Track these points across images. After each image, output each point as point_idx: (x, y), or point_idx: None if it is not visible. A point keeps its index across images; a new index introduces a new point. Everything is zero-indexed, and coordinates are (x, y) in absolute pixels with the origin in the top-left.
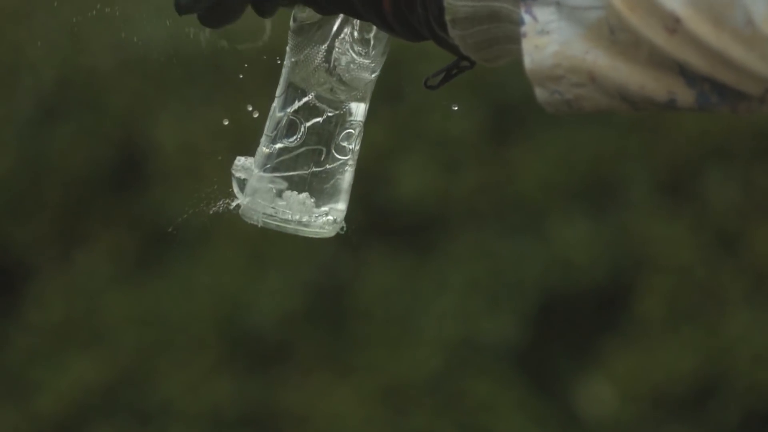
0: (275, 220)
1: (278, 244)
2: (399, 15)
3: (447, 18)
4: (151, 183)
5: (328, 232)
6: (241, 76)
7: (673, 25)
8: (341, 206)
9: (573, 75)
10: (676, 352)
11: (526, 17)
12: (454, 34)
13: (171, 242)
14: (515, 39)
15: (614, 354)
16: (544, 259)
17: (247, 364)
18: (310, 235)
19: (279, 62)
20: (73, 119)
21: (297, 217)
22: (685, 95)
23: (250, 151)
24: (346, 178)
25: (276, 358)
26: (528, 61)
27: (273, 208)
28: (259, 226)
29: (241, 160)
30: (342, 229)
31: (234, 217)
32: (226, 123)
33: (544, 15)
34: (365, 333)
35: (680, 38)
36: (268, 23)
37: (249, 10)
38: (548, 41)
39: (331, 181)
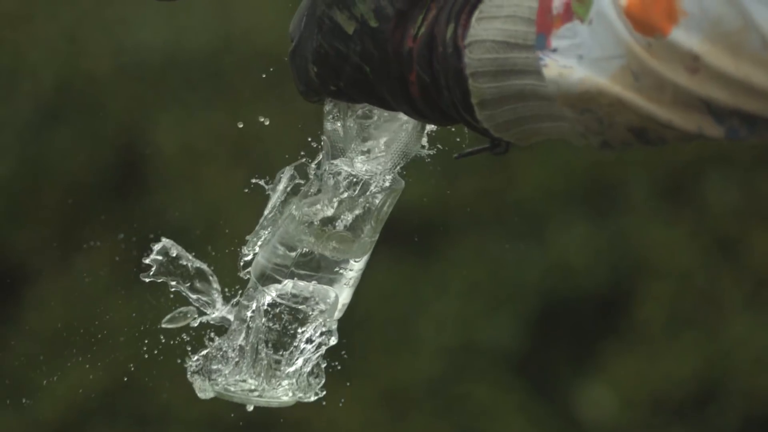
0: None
1: None
2: (428, 99)
3: (473, 101)
4: (150, 187)
5: (289, 400)
6: (240, 80)
7: (693, 63)
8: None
9: (603, 98)
10: (675, 356)
11: (547, 59)
12: (482, 115)
13: None
14: (544, 116)
15: (614, 359)
16: (544, 264)
17: None
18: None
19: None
20: (72, 123)
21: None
22: (714, 131)
23: (249, 151)
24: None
25: None
26: (554, 89)
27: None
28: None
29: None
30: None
31: (233, 221)
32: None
33: (566, 60)
34: (365, 337)
35: (702, 76)
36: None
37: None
38: (572, 71)
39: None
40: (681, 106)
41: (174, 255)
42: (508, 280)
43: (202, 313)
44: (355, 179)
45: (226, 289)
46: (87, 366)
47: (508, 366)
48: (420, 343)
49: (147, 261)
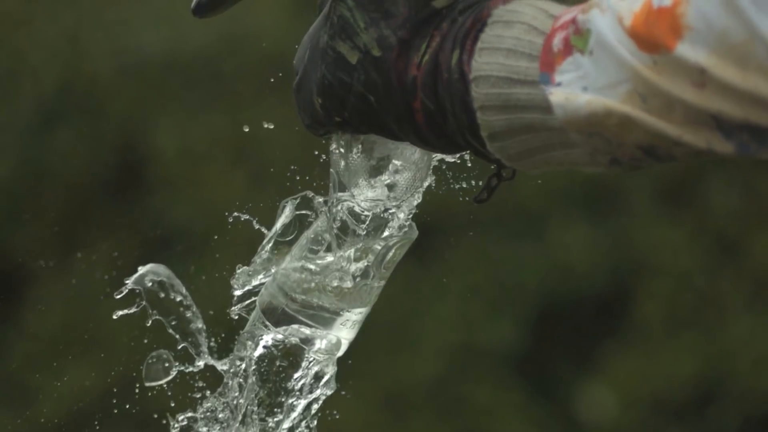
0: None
1: None
2: (434, 127)
3: (483, 134)
4: (150, 188)
5: None
6: (240, 83)
7: (700, 78)
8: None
9: (610, 119)
10: (675, 357)
11: (553, 89)
12: (493, 147)
13: (171, 247)
14: (555, 145)
15: (614, 359)
16: (544, 265)
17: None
18: None
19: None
20: (73, 125)
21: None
22: (723, 147)
23: (250, 153)
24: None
25: None
26: (561, 114)
27: None
28: None
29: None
30: None
31: (233, 222)
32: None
33: (572, 89)
34: (366, 338)
35: (709, 90)
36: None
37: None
38: (579, 95)
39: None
40: (690, 123)
41: (163, 283)
42: (508, 281)
43: (187, 357)
44: (364, 225)
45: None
46: (87, 367)
47: (509, 367)
48: (420, 344)
49: (130, 284)
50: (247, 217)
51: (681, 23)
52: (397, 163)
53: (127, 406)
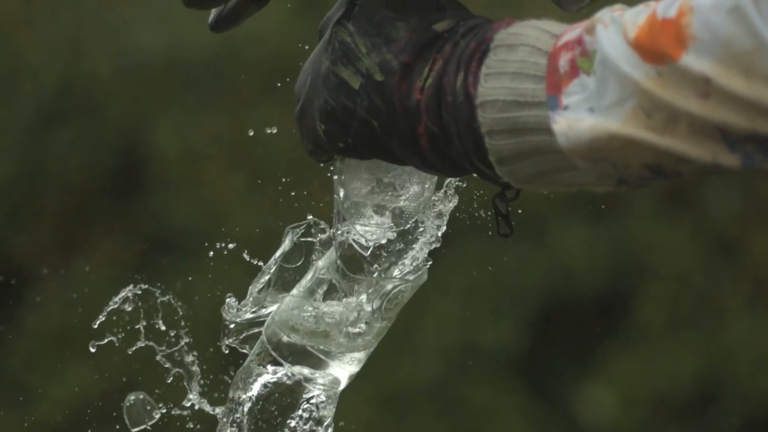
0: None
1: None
2: (438, 150)
3: (492, 158)
4: (150, 189)
5: None
6: (240, 83)
7: (704, 88)
8: None
9: (614, 142)
10: (676, 358)
11: (557, 117)
12: (502, 171)
13: (171, 248)
14: (563, 168)
15: (614, 360)
16: (544, 266)
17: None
18: None
19: (278, 69)
20: (73, 125)
21: None
22: (729, 160)
23: (249, 154)
24: None
25: None
26: (563, 141)
27: None
28: None
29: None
30: None
31: (233, 223)
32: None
33: (577, 114)
34: None
35: (714, 100)
36: None
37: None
38: (581, 121)
39: None
40: (695, 137)
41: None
42: (508, 281)
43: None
44: (375, 265)
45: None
46: (87, 368)
47: (509, 367)
48: (421, 344)
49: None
50: (247, 217)
51: (686, 33)
52: (400, 189)
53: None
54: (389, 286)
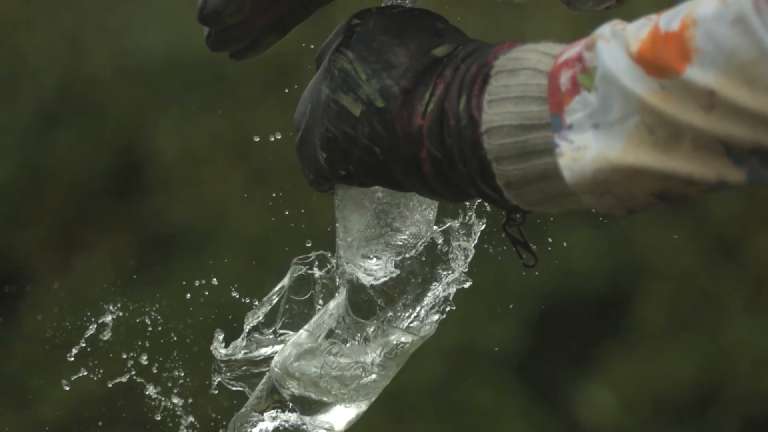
0: None
1: (278, 251)
2: (441, 176)
3: (500, 183)
4: (150, 190)
5: None
6: (240, 84)
7: (708, 100)
8: None
9: (617, 174)
10: (676, 358)
11: (562, 143)
12: (510, 195)
13: (171, 249)
14: (570, 193)
15: (615, 361)
16: (544, 267)
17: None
18: None
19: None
20: (73, 126)
21: None
22: (734, 176)
23: (249, 154)
24: None
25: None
26: (568, 176)
27: None
28: None
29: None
30: None
31: (233, 223)
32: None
33: (581, 139)
34: None
35: (718, 113)
36: None
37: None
38: (585, 152)
39: None
40: (699, 152)
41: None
42: (509, 282)
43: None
44: (382, 311)
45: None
46: (87, 369)
47: (509, 368)
48: (421, 345)
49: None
50: (247, 217)
51: (689, 46)
52: (402, 218)
53: (128, 408)
54: (393, 340)
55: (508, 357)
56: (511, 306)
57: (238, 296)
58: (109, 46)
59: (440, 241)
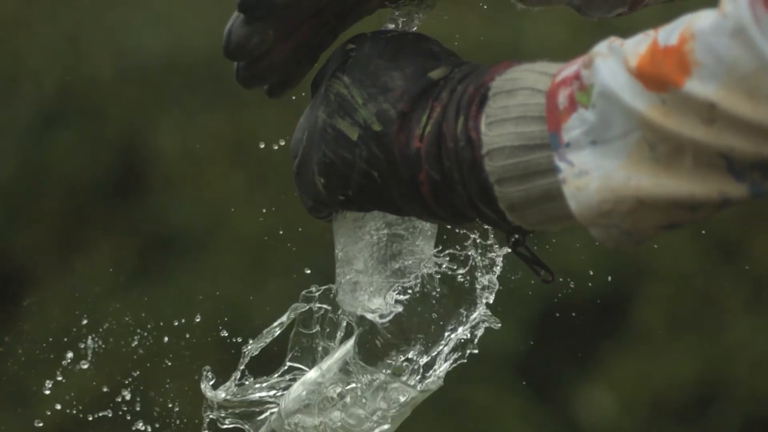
0: None
1: (278, 251)
2: (439, 198)
3: (502, 206)
4: (151, 190)
5: None
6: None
7: (709, 113)
8: None
9: (621, 205)
10: (676, 359)
11: (562, 165)
12: (512, 217)
13: (171, 249)
14: (573, 215)
15: (614, 361)
16: None
17: (248, 371)
18: None
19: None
20: (73, 127)
21: None
22: (737, 191)
23: (250, 154)
24: None
25: (277, 365)
26: (574, 206)
27: None
28: None
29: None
30: None
31: (234, 224)
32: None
33: (580, 158)
34: None
35: (719, 126)
36: None
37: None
38: (588, 180)
39: None
40: (701, 169)
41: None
42: (508, 283)
43: None
44: (393, 353)
45: None
46: (87, 369)
47: (509, 369)
48: None
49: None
50: (247, 217)
51: (689, 60)
52: (402, 243)
53: (128, 408)
54: (399, 396)
55: (508, 357)
56: (511, 306)
57: (238, 296)
58: (109, 46)
59: (460, 276)
